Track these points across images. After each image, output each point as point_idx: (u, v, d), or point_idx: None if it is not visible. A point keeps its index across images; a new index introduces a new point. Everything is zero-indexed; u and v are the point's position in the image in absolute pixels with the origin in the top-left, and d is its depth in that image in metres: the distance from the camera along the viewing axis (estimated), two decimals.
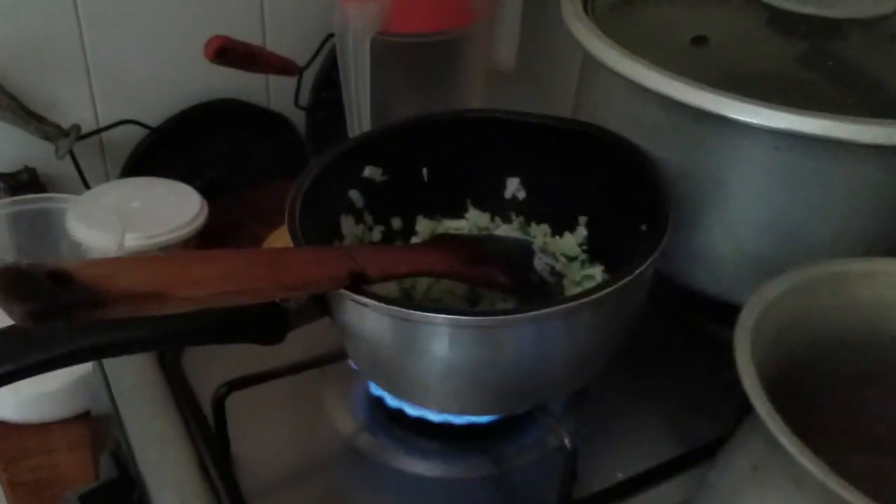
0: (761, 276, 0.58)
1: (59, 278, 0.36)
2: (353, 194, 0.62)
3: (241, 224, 1.00)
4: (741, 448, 0.36)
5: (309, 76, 0.97)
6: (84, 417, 0.73)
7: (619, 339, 0.55)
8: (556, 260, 0.61)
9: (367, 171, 0.62)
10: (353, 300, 0.48)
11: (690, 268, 0.62)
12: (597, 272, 0.61)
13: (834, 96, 0.58)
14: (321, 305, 0.52)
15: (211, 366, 0.62)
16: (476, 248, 0.58)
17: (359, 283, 0.48)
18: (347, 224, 0.61)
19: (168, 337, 0.49)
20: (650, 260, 0.50)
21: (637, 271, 0.49)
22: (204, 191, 0.93)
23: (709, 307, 0.64)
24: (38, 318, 0.34)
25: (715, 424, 0.59)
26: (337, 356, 0.59)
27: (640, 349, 0.62)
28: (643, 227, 0.57)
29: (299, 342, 0.57)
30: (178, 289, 0.40)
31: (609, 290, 0.48)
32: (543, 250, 0.60)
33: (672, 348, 0.66)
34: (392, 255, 0.55)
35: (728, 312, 0.63)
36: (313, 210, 0.56)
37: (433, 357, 0.49)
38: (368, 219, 0.63)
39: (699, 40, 0.61)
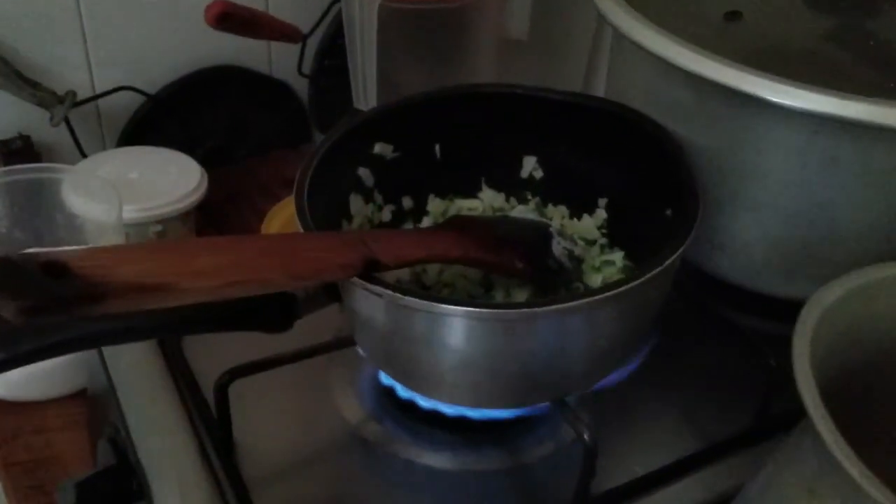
0: (791, 265, 0.56)
1: (55, 270, 0.33)
2: (363, 172, 0.59)
3: (241, 195, 0.97)
4: (793, 466, 0.33)
5: (313, 43, 0.94)
6: (80, 395, 0.70)
7: (643, 332, 0.52)
8: (575, 244, 0.58)
9: (378, 148, 0.59)
10: (367, 289, 0.45)
11: (715, 254, 0.59)
12: (617, 258, 0.59)
13: (873, 78, 0.55)
14: (332, 293, 0.49)
15: (214, 350, 0.59)
16: (492, 231, 0.55)
17: (372, 271, 0.45)
18: (356, 203, 0.59)
19: (170, 325, 0.46)
20: (679, 251, 0.47)
21: (665, 263, 0.46)
22: (204, 160, 0.90)
23: (731, 294, 0.61)
24: (31, 315, 0.32)
25: (735, 419, 0.57)
26: (344, 343, 0.56)
27: (661, 342, 0.60)
28: (668, 213, 0.55)
29: (305, 328, 0.55)
30: (182, 280, 0.37)
31: (636, 283, 0.45)
32: (561, 234, 0.57)
33: (691, 337, 0.64)
34: (406, 240, 0.52)
35: (751, 301, 0.61)
36: (322, 189, 0.53)
37: (449, 349, 0.47)
38: (378, 198, 0.60)
39: (733, 15, 0.58)
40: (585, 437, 0.50)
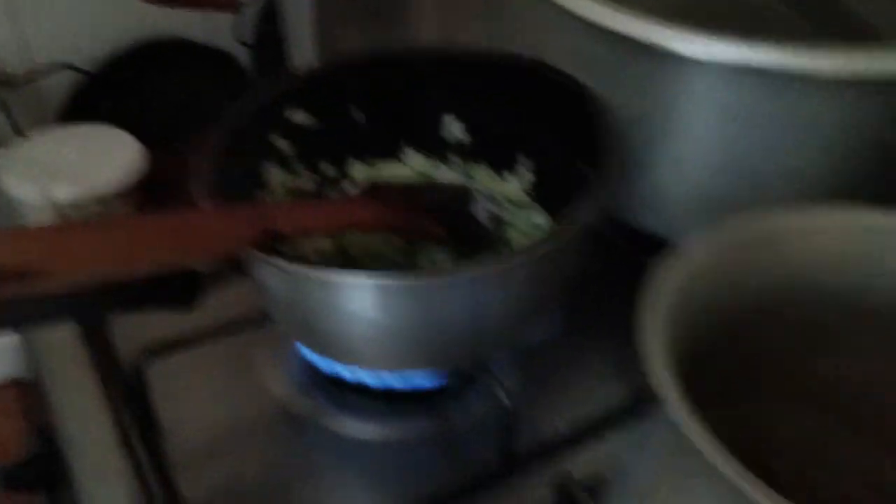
0: (714, 217, 0.55)
1: None
2: (279, 141, 0.57)
3: (186, 169, 0.96)
4: (659, 430, 0.32)
5: (252, 10, 0.91)
6: (15, 385, 0.70)
7: (564, 292, 0.51)
8: (501, 206, 0.57)
9: (292, 116, 0.57)
10: (264, 261, 0.44)
11: (640, 209, 0.58)
12: (543, 220, 0.58)
13: (804, 29, 0.53)
14: (237, 267, 0.48)
15: (139, 331, 0.58)
16: (410, 197, 0.54)
17: (272, 240, 0.44)
18: (272, 173, 0.57)
19: (64, 308, 0.45)
20: (587, 213, 0.46)
21: (573, 227, 0.45)
22: (147, 137, 0.88)
23: (660, 247, 0.60)
24: None
25: None
26: (266, 317, 0.55)
27: (587, 292, 0.59)
28: (589, 172, 0.53)
29: (229, 304, 0.54)
30: (57, 263, 0.36)
31: (544, 246, 0.44)
32: (486, 196, 0.56)
33: (620, 291, 0.63)
34: (310, 210, 0.51)
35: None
36: (232, 162, 0.52)
37: (355, 318, 0.46)
38: (297, 166, 0.59)
39: None
40: (503, 399, 0.49)
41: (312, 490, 0.52)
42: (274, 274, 0.45)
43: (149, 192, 0.89)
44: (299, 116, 0.58)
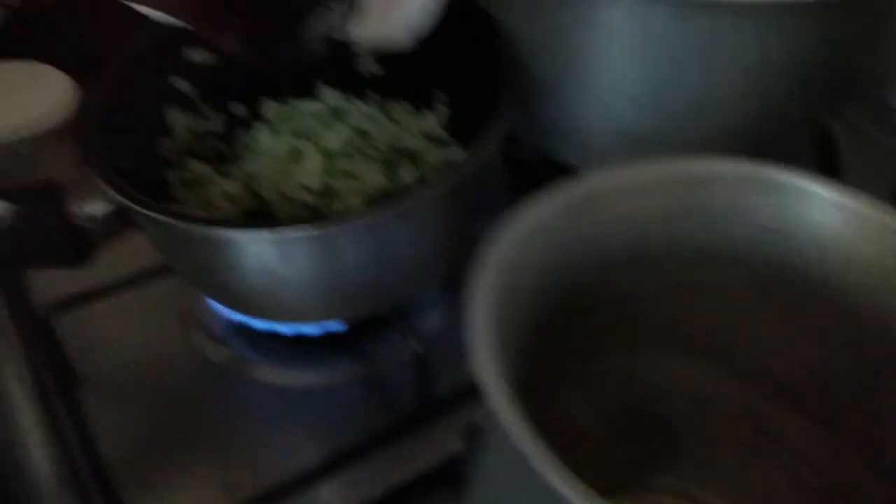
0: (629, 148, 0.53)
1: None
2: (179, 82, 0.55)
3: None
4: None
5: None
6: None
7: (471, 232, 0.50)
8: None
9: (190, 55, 0.55)
10: (150, 218, 0.43)
11: (558, 142, 0.56)
12: (457, 154, 0.56)
13: None
14: (123, 218, 0.47)
15: (57, 281, 0.57)
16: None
17: None
18: (175, 116, 0.55)
19: None
20: (489, 143, 0.44)
21: (474, 159, 0.43)
22: (80, 73, 0.85)
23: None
24: None
25: None
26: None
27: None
28: (499, 106, 0.51)
29: (140, 254, 0.53)
30: None
31: (446, 181, 0.43)
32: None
33: None
34: None
35: None
36: (127, 107, 0.50)
37: (255, 274, 0.45)
38: (203, 107, 0.57)
39: None
40: (417, 347, 0.48)
41: (232, 437, 0.51)
42: (165, 231, 0.44)
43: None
44: (199, 55, 0.55)
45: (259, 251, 0.44)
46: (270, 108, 0.59)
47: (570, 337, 0.33)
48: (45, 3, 0.87)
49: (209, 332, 0.56)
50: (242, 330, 0.56)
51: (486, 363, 0.25)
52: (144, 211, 0.42)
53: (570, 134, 0.54)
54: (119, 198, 0.43)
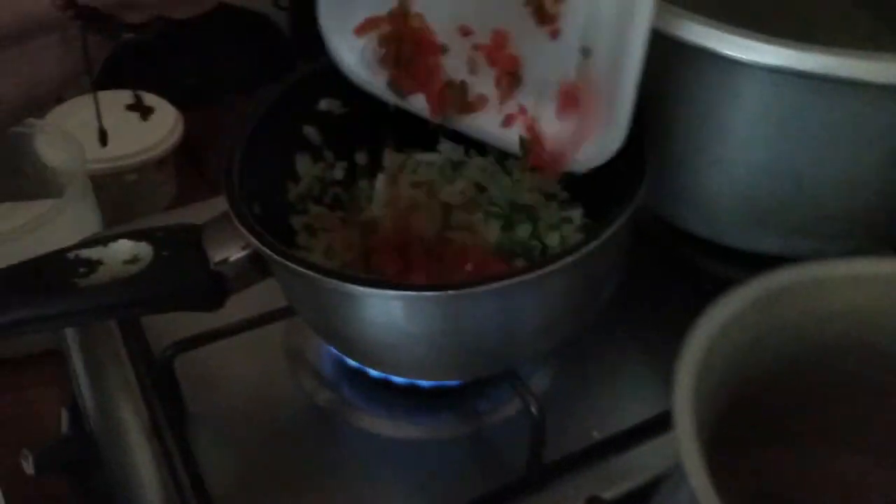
0: (758, 219, 0.53)
1: None
2: (309, 130, 0.56)
3: (225, 133, 0.95)
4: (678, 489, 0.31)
5: None
6: (55, 354, 0.71)
7: (600, 296, 0.50)
8: None
9: (324, 105, 0.56)
10: (289, 270, 0.43)
11: (681, 208, 0.56)
12: (576, 215, 0.56)
13: (871, 25, 0.51)
14: (261, 269, 0.48)
15: (170, 319, 0.58)
16: None
17: None
18: (304, 164, 0.56)
19: (97, 310, 0.45)
20: (625, 214, 0.44)
21: (607, 233, 0.44)
22: (182, 100, 0.88)
23: (700, 243, 0.58)
24: None
25: None
26: (292, 311, 0.55)
27: (625, 289, 0.57)
28: (622, 168, 0.51)
29: (256, 296, 0.54)
30: None
31: (579, 254, 0.43)
32: None
33: (660, 287, 0.61)
34: None
35: (723, 251, 0.58)
36: (262, 151, 0.51)
37: (381, 327, 0.45)
38: (328, 155, 0.58)
39: None
40: (532, 409, 0.48)
41: (336, 485, 0.52)
42: (297, 279, 0.45)
43: (187, 155, 0.89)
44: (327, 104, 0.56)
45: (387, 308, 0.44)
46: (391, 157, 0.60)
47: (741, 424, 0.33)
48: (152, 33, 0.90)
49: (318, 376, 0.56)
50: (353, 375, 0.56)
51: (689, 444, 0.25)
52: (286, 262, 0.43)
53: (697, 203, 0.54)
54: (260, 246, 0.44)
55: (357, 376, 0.56)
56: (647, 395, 0.56)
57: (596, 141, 0.48)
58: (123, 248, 0.45)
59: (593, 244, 0.42)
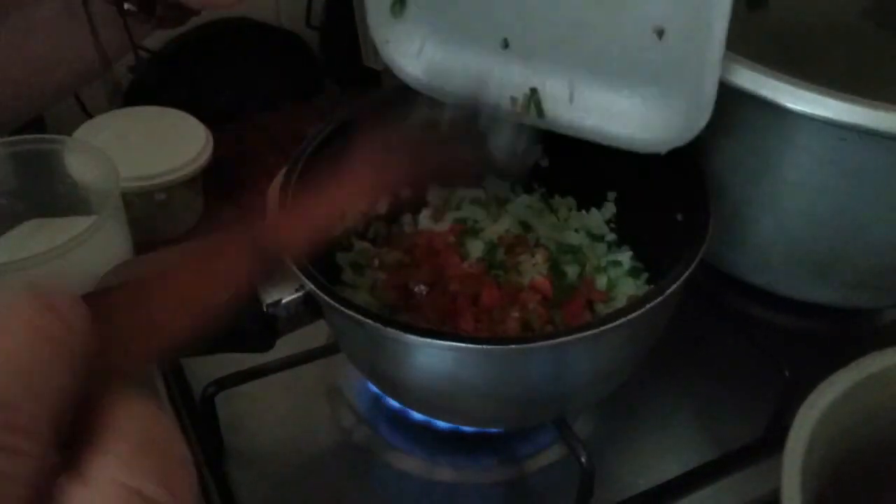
0: (813, 270, 0.53)
1: None
2: None
3: (253, 153, 0.95)
4: None
5: None
6: None
7: (650, 347, 0.49)
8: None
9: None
10: (347, 316, 0.43)
11: (731, 254, 0.55)
12: (625, 258, 0.55)
13: None
14: (314, 311, 0.47)
15: (208, 357, 0.57)
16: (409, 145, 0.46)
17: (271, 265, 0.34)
18: None
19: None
20: (688, 272, 0.44)
21: (671, 288, 0.43)
22: (212, 118, 0.87)
23: (748, 290, 0.58)
24: None
25: (746, 429, 0.54)
26: (332, 350, 0.54)
27: (670, 334, 0.57)
28: (678, 217, 0.51)
29: (296, 333, 0.53)
30: None
31: (641, 310, 0.42)
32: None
33: (706, 333, 0.60)
34: (296, 210, 0.40)
35: (774, 299, 0.57)
36: (309, 186, 0.50)
37: (433, 375, 0.45)
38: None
39: (756, 2, 0.52)
40: (582, 459, 0.47)
41: None
42: (350, 324, 0.44)
43: (215, 174, 0.88)
44: None
45: (440, 357, 0.44)
46: (434, 193, 0.59)
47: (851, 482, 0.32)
48: (184, 49, 0.89)
49: (357, 414, 0.56)
50: (393, 416, 0.55)
51: None
52: (343, 308, 0.42)
53: (751, 251, 0.53)
54: (316, 290, 0.44)
55: (397, 417, 0.55)
56: (690, 442, 0.55)
57: (680, 121, 0.46)
58: None
59: (657, 300, 0.42)
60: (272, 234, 0.34)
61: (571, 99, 0.48)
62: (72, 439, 0.23)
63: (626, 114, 0.47)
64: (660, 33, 0.44)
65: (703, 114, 0.43)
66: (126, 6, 0.48)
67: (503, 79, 0.50)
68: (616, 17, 0.44)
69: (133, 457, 0.23)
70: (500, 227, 0.57)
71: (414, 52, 0.53)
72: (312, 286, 0.44)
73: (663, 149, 0.46)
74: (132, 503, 0.22)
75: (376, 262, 0.54)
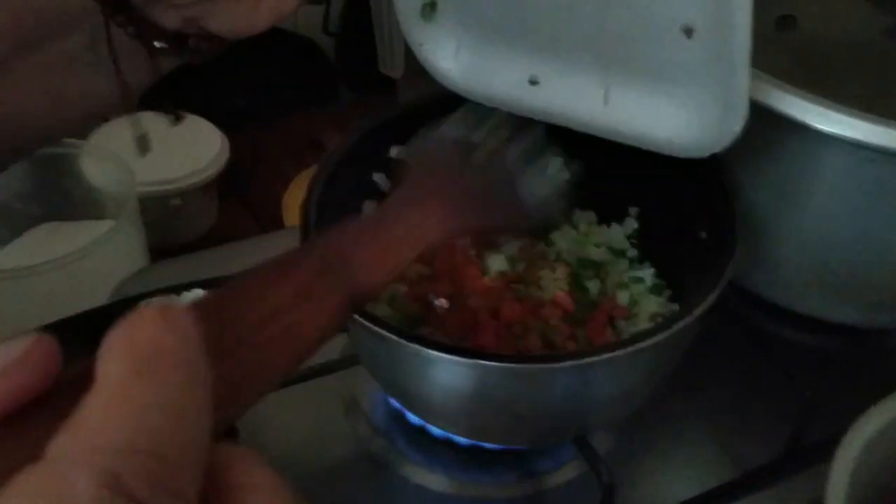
0: (836, 290, 0.52)
1: None
2: (378, 177, 0.55)
3: (267, 157, 0.95)
4: None
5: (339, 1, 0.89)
6: None
7: (674, 366, 0.49)
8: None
9: (395, 152, 0.55)
10: (370, 331, 0.42)
11: (753, 273, 0.55)
12: (647, 274, 0.55)
13: None
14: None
15: None
16: (470, 185, 0.44)
17: (361, 307, 0.36)
18: (371, 210, 0.55)
19: None
20: (716, 293, 0.43)
21: (699, 310, 0.42)
22: (227, 122, 0.87)
23: (771, 309, 0.57)
24: None
25: (766, 449, 0.54)
26: (351, 361, 0.54)
27: (687, 355, 0.56)
28: (702, 234, 0.50)
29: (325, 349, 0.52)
30: None
31: (667, 332, 0.42)
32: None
33: (723, 350, 0.60)
34: (390, 232, 0.37)
35: (795, 318, 0.57)
36: (333, 197, 0.50)
37: (458, 393, 0.44)
38: None
39: (785, 20, 0.52)
40: (604, 476, 0.47)
41: None
42: (372, 337, 0.44)
43: (230, 178, 0.88)
44: (396, 151, 0.55)
45: (463, 374, 0.43)
46: None
47: None
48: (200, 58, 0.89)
49: (374, 427, 0.55)
50: (411, 430, 0.55)
51: None
52: (367, 324, 0.42)
53: (773, 270, 0.53)
54: None
55: (415, 431, 0.55)
56: (709, 461, 0.55)
57: (715, 125, 0.45)
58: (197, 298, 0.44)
59: (686, 321, 0.41)
60: (367, 268, 0.33)
61: (606, 100, 0.47)
62: None
63: (661, 116, 0.45)
64: (688, 32, 0.42)
65: (738, 117, 0.42)
66: (157, 44, 0.48)
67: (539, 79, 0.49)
68: (644, 17, 0.43)
69: None
70: (519, 240, 0.56)
71: (450, 55, 0.52)
72: None
73: (701, 154, 0.45)
74: None
75: None
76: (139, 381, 0.19)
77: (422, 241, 0.37)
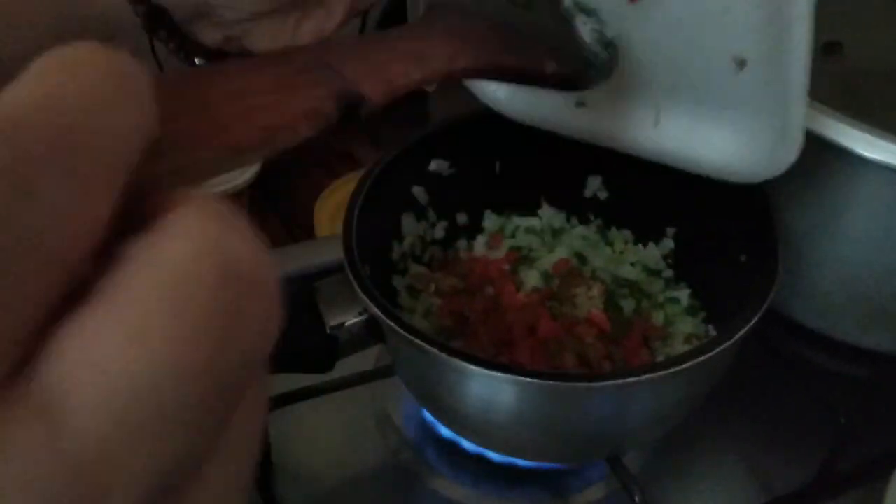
0: (874, 317, 0.52)
1: None
2: (417, 190, 0.56)
3: (298, 167, 0.95)
4: None
5: (374, 14, 0.89)
6: None
7: (710, 389, 0.49)
8: (603, 23, 0.46)
9: (434, 165, 0.56)
10: (413, 344, 0.43)
11: (790, 298, 0.55)
12: (683, 295, 0.55)
13: None
14: (376, 333, 0.47)
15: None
16: (498, 24, 0.42)
17: (354, 112, 0.31)
18: (409, 223, 0.56)
19: None
20: (757, 317, 0.43)
21: (741, 333, 0.42)
22: None
23: (807, 334, 0.57)
24: None
25: (799, 473, 0.54)
26: (385, 373, 0.54)
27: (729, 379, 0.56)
28: (742, 258, 0.50)
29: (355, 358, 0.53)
30: None
31: (708, 355, 0.42)
32: (581, 7, 0.45)
33: (756, 375, 0.60)
34: (389, 53, 0.34)
35: (831, 344, 0.57)
36: (373, 210, 0.51)
37: (495, 407, 0.44)
38: (431, 215, 0.57)
39: (831, 47, 0.52)
40: (636, 497, 0.47)
41: None
42: (412, 350, 0.44)
43: (260, 189, 0.88)
44: (436, 164, 0.56)
45: (501, 389, 0.44)
46: (491, 220, 0.59)
47: None
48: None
49: (406, 440, 0.56)
50: (443, 444, 0.55)
51: None
52: (409, 336, 0.42)
53: (810, 295, 0.53)
54: (382, 317, 0.44)
55: (447, 444, 0.55)
56: (740, 486, 0.54)
57: (768, 152, 0.44)
58: None
59: (727, 344, 0.41)
60: (357, 76, 0.30)
61: (657, 122, 0.47)
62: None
63: (713, 141, 0.45)
64: (741, 63, 0.43)
65: (793, 146, 0.42)
66: (197, 61, 0.48)
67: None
68: (695, 47, 0.42)
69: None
70: (554, 256, 0.57)
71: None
72: (378, 311, 0.44)
73: (753, 180, 0.45)
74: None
75: (432, 287, 0.54)
76: (61, 74, 0.15)
77: (424, 67, 0.35)
